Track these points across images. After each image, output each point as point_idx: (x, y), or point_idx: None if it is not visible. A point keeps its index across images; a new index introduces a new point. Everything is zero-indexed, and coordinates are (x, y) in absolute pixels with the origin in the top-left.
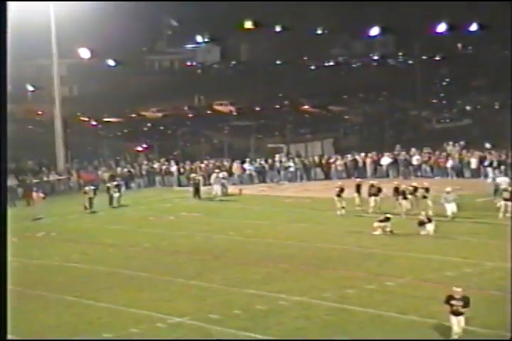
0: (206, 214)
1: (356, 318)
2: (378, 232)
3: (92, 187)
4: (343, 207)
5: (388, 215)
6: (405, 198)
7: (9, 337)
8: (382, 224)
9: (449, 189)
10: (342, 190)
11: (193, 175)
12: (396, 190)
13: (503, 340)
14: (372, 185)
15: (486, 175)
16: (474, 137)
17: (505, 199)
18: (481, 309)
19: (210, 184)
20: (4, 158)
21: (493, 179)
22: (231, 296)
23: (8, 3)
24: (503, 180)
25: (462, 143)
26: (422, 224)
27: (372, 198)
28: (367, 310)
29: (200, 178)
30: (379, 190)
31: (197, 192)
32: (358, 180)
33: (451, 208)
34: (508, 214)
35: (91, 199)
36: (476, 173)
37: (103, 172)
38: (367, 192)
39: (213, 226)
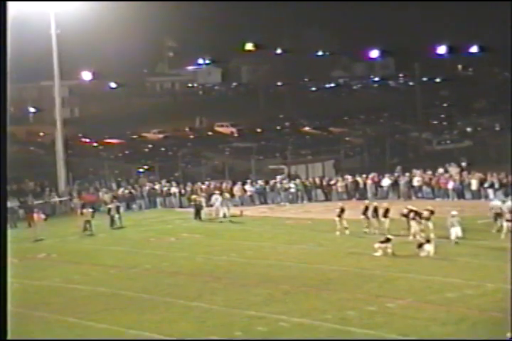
0: (207, 236)
1: (357, 340)
2: (379, 253)
3: (90, 210)
4: (346, 228)
5: (389, 236)
6: (415, 220)
7: None
8: (383, 245)
9: (454, 212)
10: (343, 210)
11: (194, 196)
12: (410, 212)
13: (503, 340)
14: (384, 207)
15: (487, 197)
16: (475, 158)
17: (508, 220)
18: (482, 331)
19: (211, 205)
20: (4, 179)
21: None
22: (232, 318)
23: (8, 2)
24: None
25: (463, 164)
26: (420, 246)
27: (387, 220)
28: (368, 332)
29: (202, 199)
30: (387, 210)
31: (198, 213)
32: (367, 202)
33: (455, 232)
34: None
35: (89, 221)
36: (477, 195)
37: (104, 194)
38: (377, 214)
39: (214, 248)
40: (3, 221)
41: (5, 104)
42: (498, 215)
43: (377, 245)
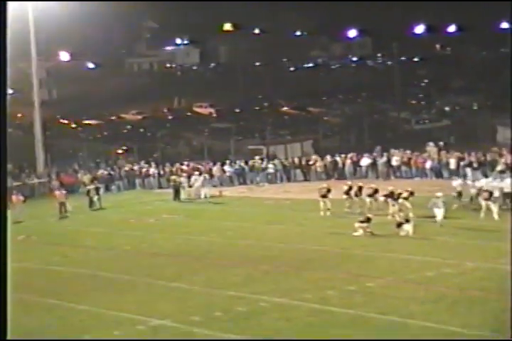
0: (187, 216)
1: (337, 319)
2: (359, 233)
3: (64, 191)
4: (328, 209)
5: (369, 216)
6: (395, 200)
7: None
8: (364, 224)
9: (439, 194)
10: (329, 190)
11: (173, 177)
12: (391, 193)
13: (503, 340)
14: (370, 187)
15: (465, 176)
16: (453, 138)
17: (486, 199)
18: (461, 309)
19: (190, 186)
20: (4, 178)
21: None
22: (212, 298)
23: (8, 2)
24: (485, 182)
25: (441, 143)
26: (399, 225)
27: (368, 199)
28: (347, 311)
29: (182, 180)
30: (376, 191)
31: (177, 194)
32: (349, 182)
33: (440, 214)
34: (496, 215)
35: (63, 203)
36: (455, 174)
37: (83, 175)
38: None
39: (194, 228)
40: (3, 216)
41: (5, 103)
42: (459, 194)
43: (357, 224)
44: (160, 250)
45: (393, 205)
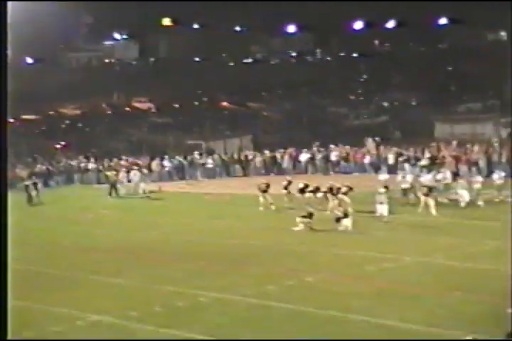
0: (126, 212)
1: (276, 314)
2: (299, 228)
3: None
4: (271, 204)
5: (311, 210)
6: (334, 195)
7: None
8: (306, 219)
9: (382, 190)
10: (268, 186)
11: (108, 172)
12: (331, 188)
13: (503, 340)
14: (305, 184)
15: (405, 170)
16: (391, 133)
17: (424, 195)
18: (399, 303)
19: (129, 181)
20: (4, 164)
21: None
22: (151, 293)
23: (9, 2)
24: (428, 178)
25: (378, 139)
26: (338, 220)
27: (307, 195)
28: (287, 306)
29: (120, 175)
30: (317, 188)
31: (113, 189)
32: (289, 177)
33: (381, 210)
34: (434, 210)
35: None
36: (393, 169)
37: (21, 170)
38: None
39: (133, 224)
40: (3, 216)
41: (5, 103)
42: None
43: (298, 219)
44: (99, 246)
45: (333, 200)
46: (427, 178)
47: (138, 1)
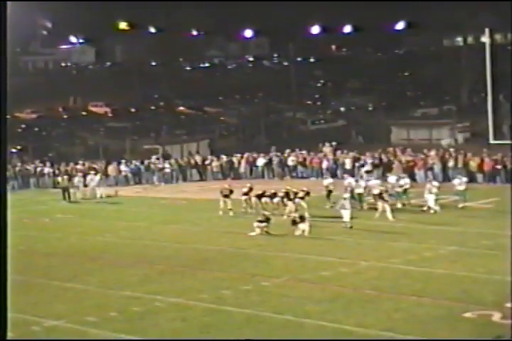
0: (82, 216)
1: (233, 319)
2: (255, 233)
3: None
4: (230, 209)
5: (266, 213)
6: (290, 200)
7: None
8: (262, 224)
9: (346, 195)
10: (231, 191)
11: (59, 178)
12: (287, 193)
13: (503, 340)
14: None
15: (361, 176)
16: (348, 138)
17: (382, 200)
18: (355, 308)
19: (86, 185)
20: (4, 164)
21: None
22: (107, 298)
23: (8, 2)
24: (375, 183)
25: (335, 143)
26: (294, 223)
27: (263, 199)
28: (243, 311)
29: (78, 179)
30: (274, 193)
31: (65, 194)
32: (249, 185)
33: (347, 215)
34: (390, 215)
35: None
36: (351, 173)
37: None
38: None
39: (89, 228)
40: (3, 216)
41: (5, 104)
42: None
43: (256, 224)
44: (55, 250)
45: (292, 204)
46: (374, 183)
47: (98, 0)
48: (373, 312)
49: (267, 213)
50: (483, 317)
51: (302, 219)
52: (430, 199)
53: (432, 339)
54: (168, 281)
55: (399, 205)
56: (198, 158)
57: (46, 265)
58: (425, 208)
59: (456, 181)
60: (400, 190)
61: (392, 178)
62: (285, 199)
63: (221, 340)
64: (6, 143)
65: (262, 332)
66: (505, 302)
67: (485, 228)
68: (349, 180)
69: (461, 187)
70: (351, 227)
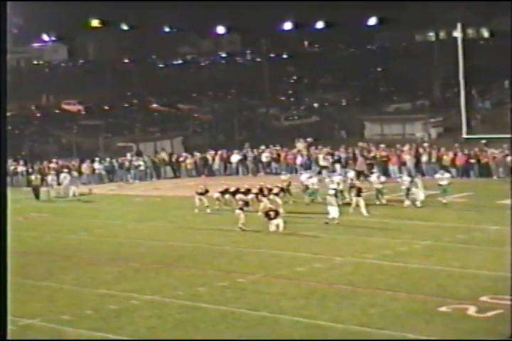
0: (56, 215)
1: (208, 316)
2: (239, 225)
3: None
4: (207, 206)
5: (240, 212)
6: (265, 196)
7: None
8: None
9: (331, 191)
10: (207, 190)
11: (32, 177)
12: (261, 189)
13: (503, 340)
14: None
15: (334, 171)
16: (322, 133)
17: (357, 195)
18: (331, 304)
19: (59, 184)
20: (4, 164)
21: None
22: (82, 296)
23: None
24: (338, 178)
25: (310, 139)
26: (269, 217)
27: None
28: (219, 307)
29: (52, 177)
30: (248, 190)
31: (36, 193)
32: (225, 186)
33: (335, 212)
34: (364, 210)
35: None
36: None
37: None
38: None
39: (63, 227)
40: (3, 215)
41: (5, 104)
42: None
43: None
44: (29, 248)
45: (267, 200)
46: (336, 178)
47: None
48: (348, 308)
49: (240, 210)
50: (459, 311)
51: (277, 214)
52: (419, 193)
53: (436, 340)
54: (143, 279)
55: (383, 201)
56: (164, 154)
57: (21, 263)
58: (417, 202)
59: (437, 176)
60: (380, 186)
61: (374, 176)
62: (259, 196)
63: (217, 340)
64: (6, 143)
65: (238, 328)
66: (480, 296)
67: (459, 222)
68: (304, 176)
69: (444, 182)
70: (338, 223)
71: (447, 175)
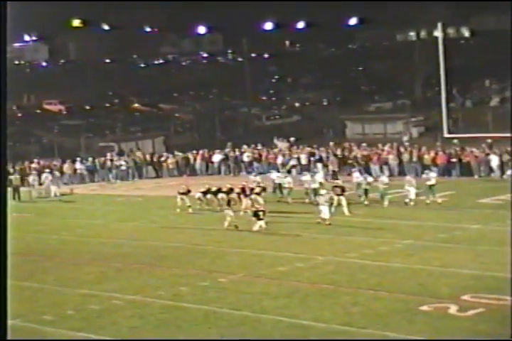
0: (37, 215)
1: (191, 315)
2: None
3: None
4: (189, 206)
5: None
6: (247, 196)
7: None
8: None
9: (323, 191)
10: (189, 191)
11: (12, 177)
12: (243, 189)
13: (503, 340)
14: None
15: (307, 170)
16: (303, 133)
17: (338, 195)
18: (313, 303)
19: (41, 184)
20: (4, 164)
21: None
22: (64, 297)
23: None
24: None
25: (292, 139)
26: (256, 216)
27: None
28: (201, 307)
29: (33, 177)
30: (231, 189)
31: (15, 194)
32: (207, 186)
33: (326, 212)
34: (346, 210)
35: None
36: (307, 168)
37: None
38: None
39: (45, 227)
40: (3, 215)
41: (5, 104)
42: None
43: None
44: (10, 249)
45: (249, 199)
46: (307, 178)
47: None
48: (330, 307)
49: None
50: (440, 310)
51: (264, 214)
52: (412, 192)
53: (437, 340)
54: (125, 279)
55: (386, 203)
56: (139, 153)
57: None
58: (407, 200)
59: (424, 176)
60: (385, 186)
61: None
62: (241, 196)
63: (200, 340)
64: (5, 143)
65: (220, 328)
66: (461, 294)
67: (440, 221)
68: (275, 175)
69: (430, 182)
70: (329, 224)
71: (433, 174)
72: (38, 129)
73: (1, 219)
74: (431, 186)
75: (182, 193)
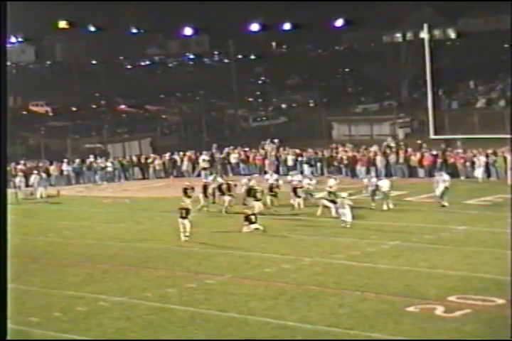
0: (24, 216)
1: (177, 317)
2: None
3: None
4: (203, 207)
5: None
6: (256, 199)
7: None
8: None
9: (344, 194)
10: (193, 188)
11: None
12: (249, 190)
13: (503, 340)
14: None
15: (302, 172)
16: (290, 134)
17: (331, 201)
18: (299, 304)
19: (27, 185)
20: (4, 164)
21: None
22: (51, 298)
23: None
24: (384, 183)
25: (277, 140)
26: (248, 220)
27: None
28: (188, 309)
29: (19, 179)
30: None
31: None
32: (205, 180)
33: (347, 215)
34: (334, 212)
35: None
36: (293, 170)
37: None
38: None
39: (31, 228)
40: (3, 214)
41: (5, 103)
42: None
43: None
44: None
45: (231, 197)
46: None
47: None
48: (317, 308)
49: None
50: (426, 311)
51: (256, 218)
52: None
53: (424, 340)
54: (111, 280)
55: (391, 205)
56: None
57: None
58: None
59: (436, 179)
60: (387, 189)
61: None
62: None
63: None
64: (5, 142)
65: (207, 329)
66: (448, 296)
67: (427, 222)
68: (267, 177)
69: (445, 185)
70: (350, 227)
71: (446, 177)
72: (24, 131)
73: (1, 219)
74: (444, 189)
75: (188, 196)
